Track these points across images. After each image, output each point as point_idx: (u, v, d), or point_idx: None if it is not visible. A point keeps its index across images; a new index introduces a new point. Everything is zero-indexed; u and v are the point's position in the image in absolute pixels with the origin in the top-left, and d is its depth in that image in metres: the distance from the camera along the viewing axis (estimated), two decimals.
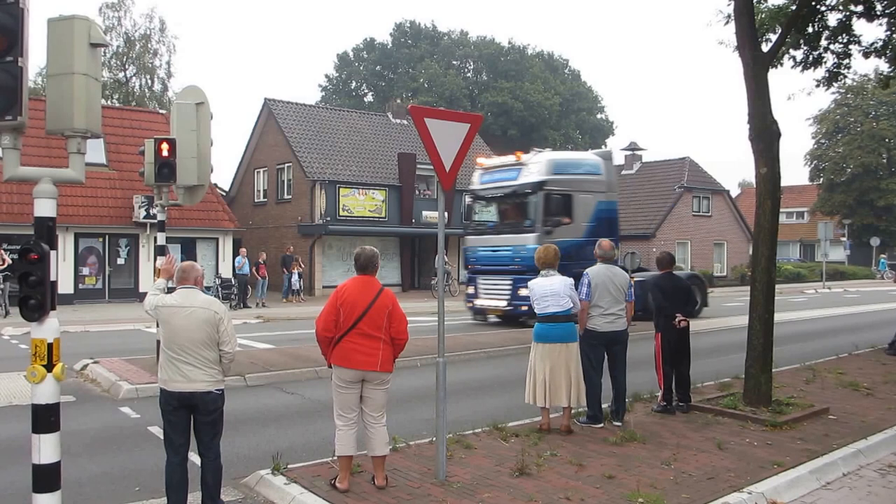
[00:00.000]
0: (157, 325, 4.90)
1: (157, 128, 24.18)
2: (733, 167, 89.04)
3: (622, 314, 7.35)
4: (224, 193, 32.26)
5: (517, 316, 16.62)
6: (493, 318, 18.01)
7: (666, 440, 6.82)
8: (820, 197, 53.49)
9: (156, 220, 10.81)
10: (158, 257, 10.24)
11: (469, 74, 62.05)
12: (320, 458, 6.16)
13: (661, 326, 7.97)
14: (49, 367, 3.97)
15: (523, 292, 14.49)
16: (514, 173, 17.08)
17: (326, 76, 64.60)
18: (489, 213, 18.17)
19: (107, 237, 24.08)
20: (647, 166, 43.00)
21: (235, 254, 24.46)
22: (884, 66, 13.79)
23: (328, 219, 27.83)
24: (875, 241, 46.39)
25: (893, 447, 6.88)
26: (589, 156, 18.71)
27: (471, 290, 18.15)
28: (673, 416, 7.78)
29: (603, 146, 65.91)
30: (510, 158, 17.55)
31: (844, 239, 49.21)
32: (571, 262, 12.57)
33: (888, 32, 11.92)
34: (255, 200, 32.49)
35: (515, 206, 17.10)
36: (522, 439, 6.75)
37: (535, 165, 16.72)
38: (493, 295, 17.32)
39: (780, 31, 10.31)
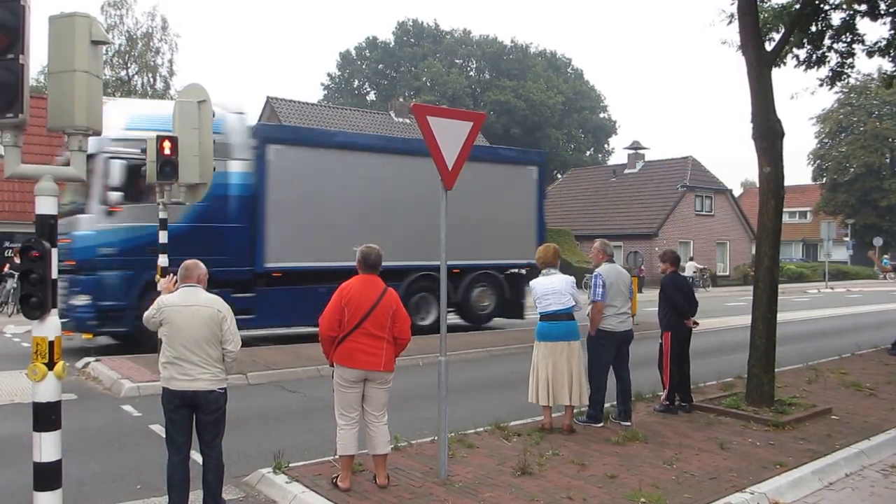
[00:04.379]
0: (160, 325, 4.88)
1: None
2: (736, 166, 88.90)
3: (629, 312, 7.41)
4: None
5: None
6: None
7: (668, 440, 6.80)
8: (823, 197, 53.45)
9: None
10: (160, 261, 10.24)
11: (472, 73, 62.12)
12: (322, 456, 6.16)
13: (673, 325, 7.88)
14: (50, 365, 3.95)
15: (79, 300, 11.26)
16: None
17: (329, 75, 64.77)
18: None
19: None
20: (650, 165, 43.00)
21: None
22: (887, 65, 13.73)
23: None
24: (878, 241, 46.24)
25: None
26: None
27: None
28: (675, 415, 7.76)
29: (605, 145, 66.01)
30: None
31: (847, 239, 49.10)
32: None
33: (892, 32, 11.86)
34: None
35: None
36: (524, 438, 6.73)
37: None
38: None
39: (783, 30, 10.27)
